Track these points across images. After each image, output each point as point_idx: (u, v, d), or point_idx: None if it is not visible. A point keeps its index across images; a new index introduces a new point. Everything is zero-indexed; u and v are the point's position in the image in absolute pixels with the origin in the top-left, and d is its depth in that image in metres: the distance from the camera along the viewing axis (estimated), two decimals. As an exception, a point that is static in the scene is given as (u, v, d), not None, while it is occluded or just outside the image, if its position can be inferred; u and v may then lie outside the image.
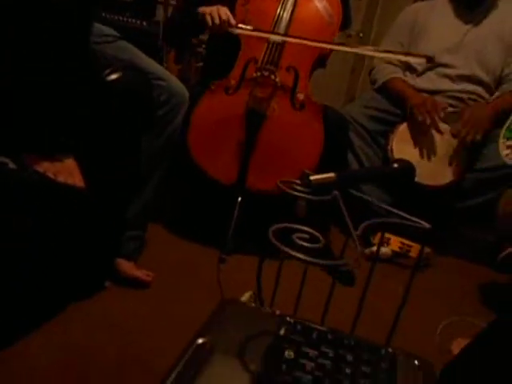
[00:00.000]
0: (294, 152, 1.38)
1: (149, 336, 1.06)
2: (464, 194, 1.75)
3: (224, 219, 1.40)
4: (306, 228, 0.50)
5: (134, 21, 2.43)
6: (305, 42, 1.26)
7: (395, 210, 0.63)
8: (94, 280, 1.17)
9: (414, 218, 0.61)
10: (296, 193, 0.64)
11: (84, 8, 0.98)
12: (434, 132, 1.72)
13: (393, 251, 1.69)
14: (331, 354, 0.49)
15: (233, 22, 1.37)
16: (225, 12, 1.37)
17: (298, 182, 0.66)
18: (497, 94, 1.80)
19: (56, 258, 0.97)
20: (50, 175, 0.89)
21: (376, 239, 1.72)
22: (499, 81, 1.83)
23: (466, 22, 1.84)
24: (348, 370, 0.47)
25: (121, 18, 2.39)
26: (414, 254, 1.69)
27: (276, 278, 0.73)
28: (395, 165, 0.76)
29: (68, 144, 0.96)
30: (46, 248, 0.92)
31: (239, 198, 1.40)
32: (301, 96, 1.41)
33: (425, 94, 1.78)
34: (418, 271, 1.68)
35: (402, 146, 1.72)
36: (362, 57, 3.35)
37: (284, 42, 1.40)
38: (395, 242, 1.69)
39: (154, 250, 1.43)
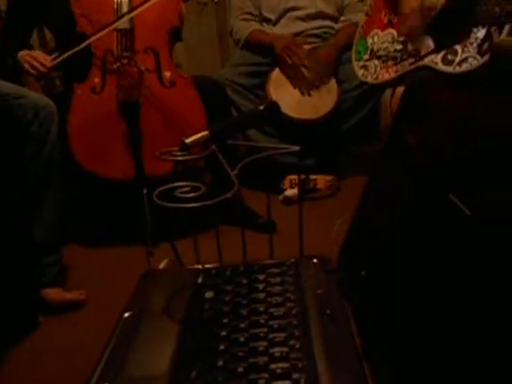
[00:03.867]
0: (180, 127, 1.40)
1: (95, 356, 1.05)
2: (346, 115, 1.91)
3: (137, 214, 1.40)
4: (185, 183, 0.55)
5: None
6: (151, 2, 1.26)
7: (267, 144, 0.70)
8: (26, 319, 1.13)
9: (283, 145, 0.68)
10: (178, 158, 0.69)
11: None
12: (303, 69, 1.85)
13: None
14: (245, 281, 0.56)
15: (48, 59, 1.35)
16: (40, 56, 1.36)
17: (176, 149, 0.71)
18: (338, 25, 1.98)
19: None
20: None
21: (286, 184, 1.84)
22: (342, 11, 2.00)
23: None
24: (261, 287, 0.54)
25: None
26: (320, 184, 1.84)
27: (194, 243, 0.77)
28: (261, 106, 0.83)
29: None
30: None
31: (144, 190, 1.41)
32: (168, 74, 1.43)
33: (288, 37, 1.89)
34: (328, 198, 1.85)
35: (279, 91, 1.82)
36: (224, 21, 3.43)
37: (133, 26, 1.40)
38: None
39: (78, 267, 1.40)
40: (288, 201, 1.79)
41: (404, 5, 1.30)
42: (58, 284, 1.22)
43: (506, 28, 0.98)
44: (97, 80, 1.41)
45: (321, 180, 1.83)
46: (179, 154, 0.70)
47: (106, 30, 1.31)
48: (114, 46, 1.39)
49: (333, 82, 1.86)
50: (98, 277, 1.39)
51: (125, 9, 1.39)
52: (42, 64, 1.34)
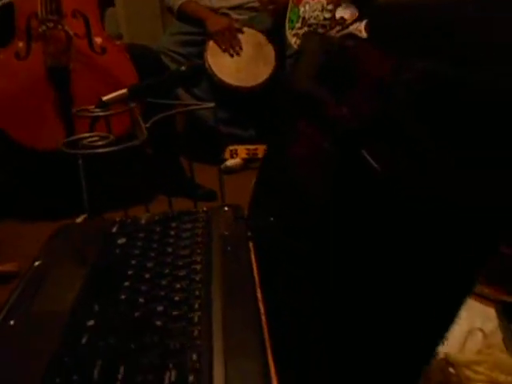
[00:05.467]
0: (113, 95, 1.38)
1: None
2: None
3: (73, 184, 1.38)
4: (94, 133, 0.56)
5: None
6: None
7: (184, 102, 0.72)
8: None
9: (198, 102, 0.70)
10: (94, 114, 0.69)
11: None
12: (240, 36, 1.85)
13: (243, 159, 1.86)
14: (158, 229, 0.59)
15: None
16: None
17: (93, 107, 0.71)
18: None
19: None
20: None
21: (226, 154, 1.86)
22: None
23: None
24: (173, 232, 0.57)
25: None
26: (261, 154, 1.87)
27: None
28: (183, 67, 0.84)
29: None
30: None
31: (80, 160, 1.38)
32: (99, 40, 1.39)
33: (222, 18, 1.87)
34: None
35: (217, 59, 1.82)
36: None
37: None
38: (242, 151, 1.84)
39: (13, 240, 1.37)
40: (229, 171, 1.82)
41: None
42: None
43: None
44: (21, 44, 1.35)
45: (261, 150, 1.86)
46: (96, 111, 0.71)
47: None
48: (38, 8, 1.32)
49: (270, 49, 1.88)
50: (33, 250, 1.36)
51: (48, -32, 1.32)
52: None
